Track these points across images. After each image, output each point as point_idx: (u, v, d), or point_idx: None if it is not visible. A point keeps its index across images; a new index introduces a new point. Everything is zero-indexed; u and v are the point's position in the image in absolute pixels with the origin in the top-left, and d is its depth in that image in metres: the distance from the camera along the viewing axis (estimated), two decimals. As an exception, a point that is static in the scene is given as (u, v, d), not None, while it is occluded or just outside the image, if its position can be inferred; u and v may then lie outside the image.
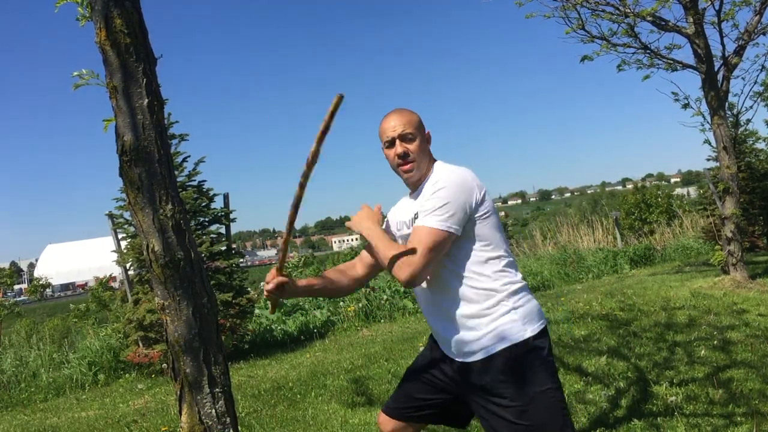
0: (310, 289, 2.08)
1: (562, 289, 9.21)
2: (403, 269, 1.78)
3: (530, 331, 1.83)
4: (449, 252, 1.85)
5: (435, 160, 2.03)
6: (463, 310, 1.86)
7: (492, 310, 1.83)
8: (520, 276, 1.93)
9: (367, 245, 2.11)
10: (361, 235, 1.99)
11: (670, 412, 3.36)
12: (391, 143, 1.97)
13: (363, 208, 2.05)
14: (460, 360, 1.93)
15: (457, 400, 2.05)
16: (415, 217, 1.91)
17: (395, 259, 1.80)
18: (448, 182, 1.84)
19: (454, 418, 2.17)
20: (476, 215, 1.85)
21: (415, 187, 2.02)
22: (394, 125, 1.95)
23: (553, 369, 1.86)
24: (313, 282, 2.09)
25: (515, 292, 1.87)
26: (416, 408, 2.11)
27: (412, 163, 1.95)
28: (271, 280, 1.90)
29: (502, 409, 1.81)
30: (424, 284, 1.94)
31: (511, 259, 1.92)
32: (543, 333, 1.88)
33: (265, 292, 1.95)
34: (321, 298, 9.55)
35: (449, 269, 1.88)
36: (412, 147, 1.94)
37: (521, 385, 1.79)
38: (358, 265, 2.16)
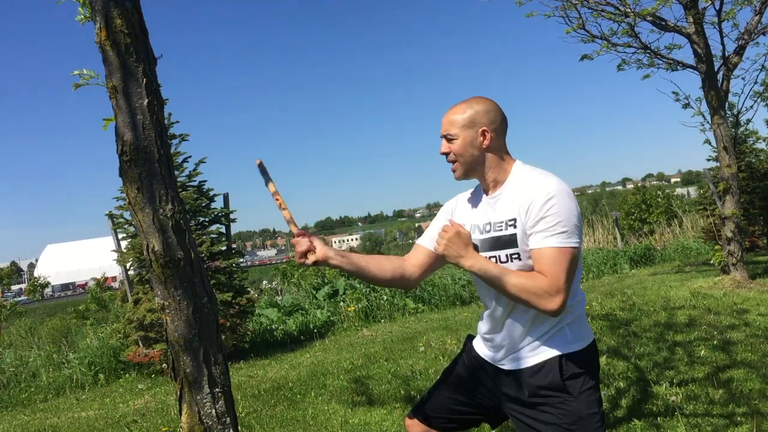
0: (342, 260, 1.88)
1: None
2: (553, 299, 1.68)
3: (580, 345, 1.80)
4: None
5: (512, 160, 1.90)
6: (533, 319, 1.80)
7: (558, 321, 1.79)
8: (583, 293, 1.89)
9: (418, 248, 2.01)
10: (457, 264, 1.83)
11: (670, 412, 3.36)
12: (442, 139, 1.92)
13: (450, 228, 1.86)
14: (509, 367, 1.88)
15: (491, 412, 2.03)
16: (510, 222, 1.79)
17: (534, 289, 1.69)
18: (560, 195, 1.72)
19: (481, 423, 2.15)
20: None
21: (494, 188, 1.89)
22: (443, 123, 1.90)
23: (600, 394, 1.82)
24: (350, 254, 1.94)
25: (578, 307, 1.84)
26: (449, 420, 2.09)
27: (454, 163, 1.88)
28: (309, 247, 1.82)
29: (546, 425, 1.77)
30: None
31: (581, 274, 1.87)
32: (594, 354, 1.84)
33: (298, 253, 1.84)
34: (321, 298, 9.57)
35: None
36: (453, 147, 1.87)
37: (569, 402, 1.75)
38: (412, 265, 2.01)
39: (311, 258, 1.82)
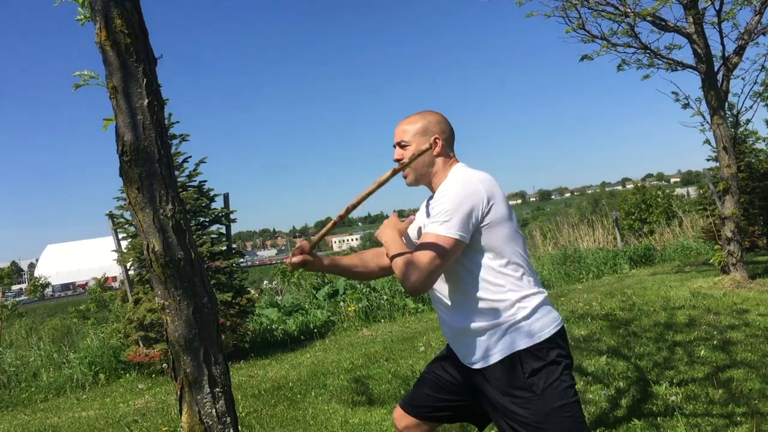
0: (335, 268, 2.14)
1: (562, 289, 9.21)
2: (410, 276, 1.78)
3: (539, 338, 1.81)
4: (462, 261, 1.85)
5: (454, 164, 2.02)
6: (474, 318, 1.85)
7: (503, 318, 1.82)
8: (536, 287, 1.89)
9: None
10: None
11: (670, 412, 3.36)
12: (395, 147, 2.06)
13: (391, 216, 2.08)
14: (473, 367, 1.91)
15: (474, 405, 2.05)
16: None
17: (402, 265, 1.80)
18: (455, 189, 1.84)
19: (472, 418, 2.16)
20: (482, 225, 1.83)
21: (434, 190, 2.02)
22: (396, 132, 2.04)
23: (571, 381, 1.83)
24: (338, 261, 2.15)
25: (529, 302, 1.84)
26: (434, 408, 2.12)
27: (405, 169, 1.95)
28: (298, 254, 1.98)
29: (517, 425, 1.79)
30: (440, 292, 1.95)
31: (525, 269, 1.88)
32: (557, 343, 1.85)
33: (289, 264, 2.03)
34: (321, 298, 9.57)
35: (462, 278, 1.87)
36: (406, 153, 1.99)
37: (535, 399, 1.77)
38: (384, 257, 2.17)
39: (289, 260, 2.03)
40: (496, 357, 1.84)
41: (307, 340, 7.44)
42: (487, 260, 1.85)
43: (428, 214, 1.96)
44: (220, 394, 1.82)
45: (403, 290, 9.10)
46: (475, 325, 1.85)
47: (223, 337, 4.22)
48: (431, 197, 2.06)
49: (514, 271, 1.86)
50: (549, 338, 1.83)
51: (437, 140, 1.98)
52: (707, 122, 7.26)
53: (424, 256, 1.77)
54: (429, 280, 1.78)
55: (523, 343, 1.81)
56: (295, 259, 1.99)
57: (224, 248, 7.24)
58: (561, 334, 1.88)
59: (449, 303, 1.93)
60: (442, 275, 1.91)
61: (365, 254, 2.19)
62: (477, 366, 1.89)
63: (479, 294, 1.85)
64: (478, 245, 1.84)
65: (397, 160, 2.00)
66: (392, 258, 1.88)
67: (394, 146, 2.03)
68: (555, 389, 1.78)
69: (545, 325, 1.85)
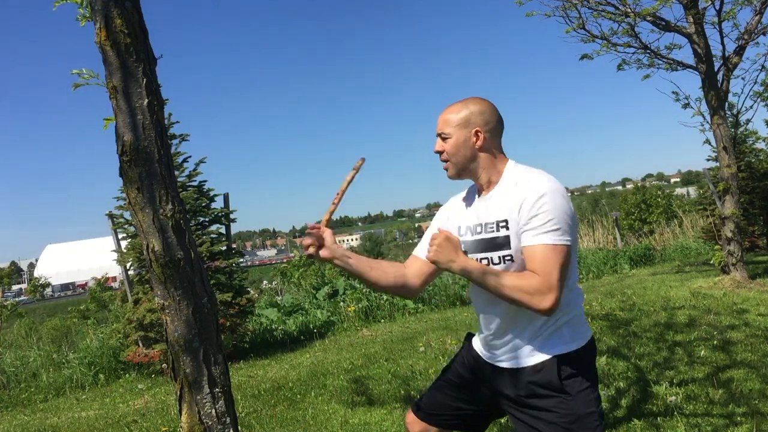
0: (347, 261, 1.91)
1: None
2: (545, 297, 1.66)
3: (577, 344, 1.80)
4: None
5: (505, 160, 1.90)
6: (528, 317, 1.79)
7: (552, 320, 1.79)
8: (580, 291, 1.88)
9: (415, 258, 2.02)
10: (449, 270, 1.82)
11: (670, 412, 3.36)
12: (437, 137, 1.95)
13: (440, 236, 1.83)
14: (506, 366, 1.88)
15: (487, 411, 2.03)
16: (501, 224, 1.79)
17: (523, 287, 1.67)
18: (552, 193, 1.72)
19: (484, 426, 2.14)
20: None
21: (486, 188, 1.90)
22: (438, 121, 1.92)
23: (598, 393, 1.82)
24: (356, 257, 1.95)
25: (576, 307, 1.83)
26: (450, 417, 2.09)
27: (446, 162, 1.90)
28: (322, 249, 1.85)
29: (545, 425, 1.77)
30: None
31: (575, 274, 1.85)
32: (592, 354, 1.84)
33: (304, 245, 1.89)
34: (321, 298, 9.57)
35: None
36: (447, 146, 1.89)
37: (567, 402, 1.75)
38: (412, 275, 2.01)
39: (313, 251, 1.87)
40: (537, 358, 1.80)
41: (306, 341, 7.44)
42: None
43: (486, 217, 1.85)
44: (219, 394, 1.82)
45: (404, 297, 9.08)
46: (530, 326, 1.80)
47: (222, 337, 4.21)
48: (475, 193, 1.95)
49: (573, 276, 1.81)
50: (586, 345, 1.82)
51: (479, 133, 1.85)
52: (707, 122, 7.26)
53: (551, 273, 1.66)
54: (561, 295, 1.69)
55: (564, 348, 1.78)
56: (307, 240, 1.86)
57: (224, 248, 7.23)
58: (593, 342, 1.86)
59: (508, 306, 1.81)
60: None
61: (384, 264, 2.01)
62: (516, 365, 1.84)
63: None
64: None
65: (438, 152, 1.91)
66: (500, 286, 1.71)
67: (437, 136, 1.92)
68: (587, 395, 1.76)
69: (585, 332, 1.84)
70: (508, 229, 1.77)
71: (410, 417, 2.17)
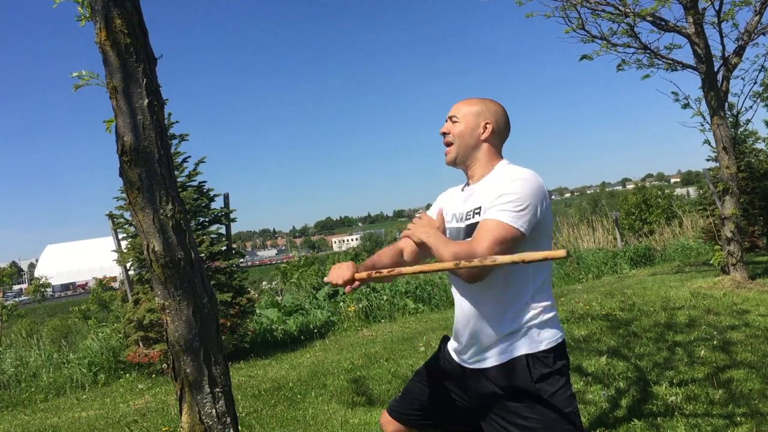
0: (369, 276, 1.93)
1: (562, 289, 9.21)
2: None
3: (548, 344, 1.81)
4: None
5: (500, 160, 1.96)
6: (499, 318, 1.82)
7: (523, 321, 1.80)
8: (552, 297, 1.90)
9: (419, 243, 2.04)
10: (420, 240, 1.93)
11: (670, 412, 3.36)
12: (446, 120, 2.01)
13: (423, 216, 2.06)
14: (475, 366, 1.89)
15: (464, 413, 2.02)
16: (476, 210, 1.85)
17: (459, 253, 1.70)
18: (524, 181, 1.77)
19: (460, 426, 2.12)
20: (536, 223, 1.78)
21: (474, 180, 1.97)
22: (453, 107, 2.00)
23: (573, 391, 1.83)
24: (368, 266, 1.98)
25: (547, 308, 1.84)
26: (422, 416, 2.10)
27: (449, 145, 1.95)
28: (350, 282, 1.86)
29: (519, 429, 1.77)
30: (469, 287, 1.87)
31: (548, 275, 1.88)
32: (563, 353, 1.85)
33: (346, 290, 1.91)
34: (321, 298, 9.57)
35: (497, 275, 1.81)
36: (455, 129, 1.95)
37: (543, 404, 1.75)
38: (408, 253, 2.08)
39: (348, 288, 1.88)
40: (504, 357, 1.81)
41: (307, 341, 7.44)
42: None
43: (470, 204, 1.90)
44: (220, 394, 1.82)
45: (403, 290, 9.11)
46: (497, 324, 1.82)
47: (222, 337, 4.21)
48: (465, 186, 2.02)
49: (541, 276, 1.84)
50: (557, 346, 1.83)
51: (487, 125, 1.93)
52: (707, 122, 7.26)
53: (483, 241, 1.69)
54: (486, 268, 1.71)
55: (533, 347, 1.79)
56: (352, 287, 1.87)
57: (224, 248, 7.23)
58: (564, 345, 1.88)
59: (477, 299, 1.87)
60: None
61: (387, 256, 2.05)
62: (484, 365, 1.86)
63: (510, 295, 1.81)
64: (526, 245, 1.78)
65: (444, 133, 1.97)
66: (441, 249, 1.77)
67: (447, 119, 1.98)
68: (561, 396, 1.77)
69: (555, 333, 1.85)
70: (479, 215, 1.84)
71: (384, 417, 2.20)
